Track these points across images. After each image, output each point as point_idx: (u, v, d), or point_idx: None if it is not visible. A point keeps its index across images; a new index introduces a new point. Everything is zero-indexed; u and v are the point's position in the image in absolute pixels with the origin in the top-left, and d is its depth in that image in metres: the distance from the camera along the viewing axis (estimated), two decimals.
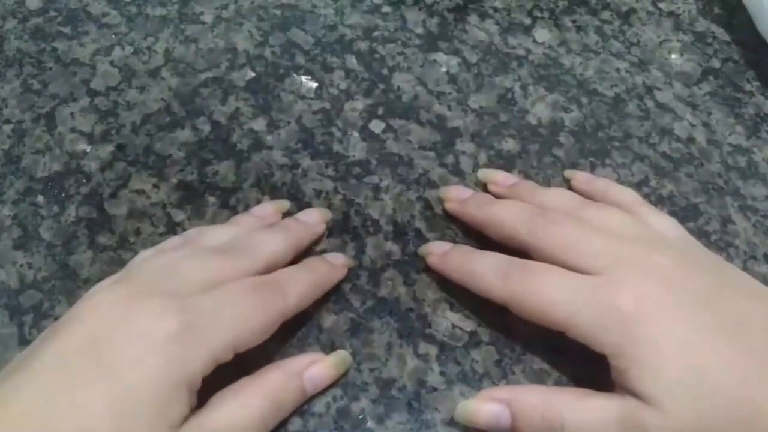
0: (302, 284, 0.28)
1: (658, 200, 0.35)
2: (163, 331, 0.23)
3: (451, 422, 0.28)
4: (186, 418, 0.24)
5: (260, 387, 0.26)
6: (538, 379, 0.29)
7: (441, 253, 0.31)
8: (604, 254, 0.26)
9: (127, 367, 0.23)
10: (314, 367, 0.28)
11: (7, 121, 0.35)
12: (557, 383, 0.29)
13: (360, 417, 0.28)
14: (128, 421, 0.22)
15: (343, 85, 0.38)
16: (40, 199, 0.33)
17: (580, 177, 0.34)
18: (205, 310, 0.25)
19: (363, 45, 0.39)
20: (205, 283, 0.26)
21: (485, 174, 0.34)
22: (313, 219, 0.32)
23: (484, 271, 0.28)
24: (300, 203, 0.34)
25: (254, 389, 0.26)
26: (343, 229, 0.33)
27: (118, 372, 0.22)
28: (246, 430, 0.25)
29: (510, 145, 0.36)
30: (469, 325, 0.31)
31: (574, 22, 0.42)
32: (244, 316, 0.26)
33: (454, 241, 0.33)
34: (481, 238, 0.32)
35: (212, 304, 0.25)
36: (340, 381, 0.29)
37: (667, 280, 0.26)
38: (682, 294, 0.25)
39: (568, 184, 0.35)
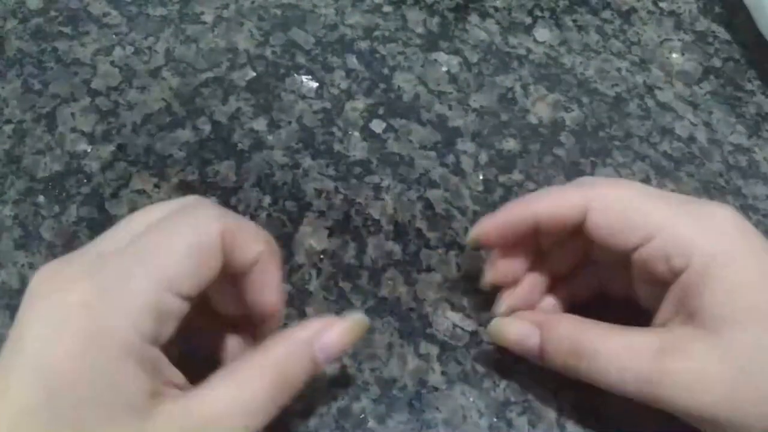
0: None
1: None
2: (73, 299, 0.20)
3: (452, 422, 0.28)
4: (156, 395, 0.21)
5: (263, 361, 0.23)
6: (539, 379, 0.29)
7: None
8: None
9: (43, 349, 0.20)
10: (327, 334, 0.24)
11: (8, 121, 0.35)
12: (558, 383, 0.29)
13: (361, 417, 0.28)
14: (66, 409, 0.19)
15: (343, 85, 0.38)
16: (41, 199, 0.33)
17: None
18: (118, 260, 0.21)
19: (364, 45, 0.39)
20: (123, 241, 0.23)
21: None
22: None
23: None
24: (301, 203, 0.34)
25: (256, 364, 0.22)
26: (344, 229, 0.33)
27: (36, 357, 0.20)
28: (248, 413, 0.21)
29: (511, 144, 0.36)
30: (469, 324, 0.31)
31: (574, 21, 0.42)
32: (164, 244, 0.22)
33: (455, 242, 0.33)
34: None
35: (125, 251, 0.22)
36: (341, 381, 0.29)
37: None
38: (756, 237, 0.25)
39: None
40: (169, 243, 0.22)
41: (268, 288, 0.25)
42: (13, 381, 0.20)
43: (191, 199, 0.25)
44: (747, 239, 0.24)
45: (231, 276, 0.24)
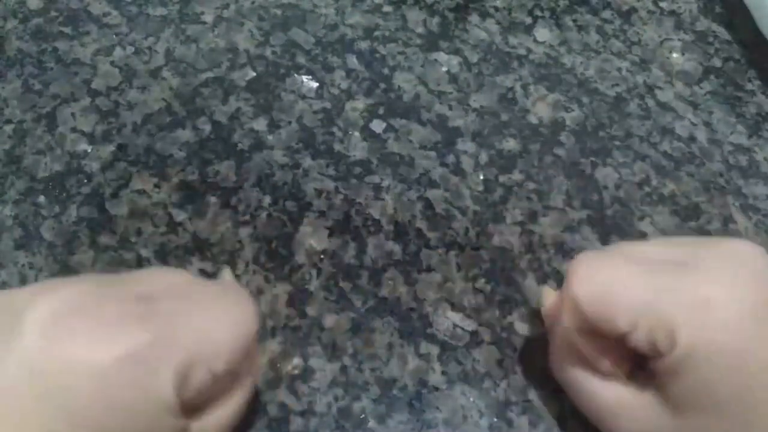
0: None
1: (659, 199, 0.35)
2: (122, 348, 0.20)
3: (453, 422, 0.28)
4: None
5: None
6: (539, 379, 0.29)
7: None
8: None
9: (77, 399, 0.19)
10: None
11: (8, 121, 0.35)
12: (558, 383, 0.29)
13: (361, 417, 0.28)
14: None
15: (343, 85, 0.38)
16: (42, 199, 0.33)
17: None
18: (169, 316, 0.22)
19: (364, 44, 0.39)
20: (162, 289, 0.23)
21: None
22: None
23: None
24: (301, 203, 0.34)
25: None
26: (344, 229, 0.33)
27: (68, 407, 0.19)
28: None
29: (511, 144, 0.36)
30: (470, 324, 0.31)
31: (574, 21, 0.42)
32: (219, 323, 0.23)
33: (455, 242, 0.33)
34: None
35: (177, 309, 0.22)
36: (341, 381, 0.29)
37: None
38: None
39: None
40: (222, 325, 0.23)
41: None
42: (36, 411, 0.19)
43: (230, 283, 0.27)
44: (735, 320, 0.23)
45: None
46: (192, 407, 0.23)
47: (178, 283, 0.24)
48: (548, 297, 0.29)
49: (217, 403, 0.24)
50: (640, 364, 0.25)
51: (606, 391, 0.26)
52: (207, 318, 0.23)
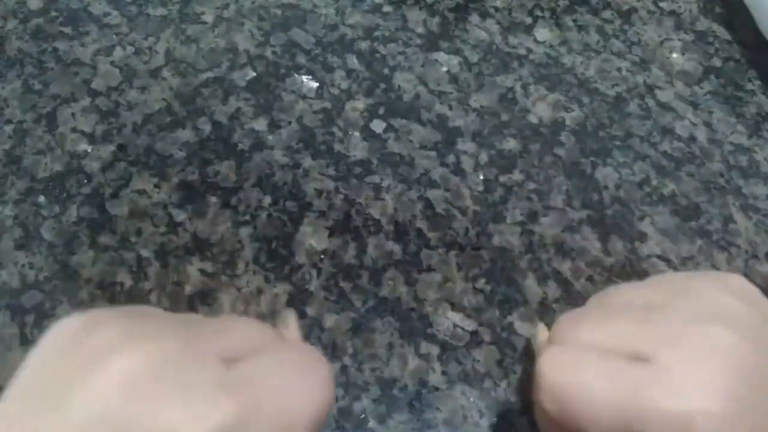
0: None
1: (659, 199, 0.35)
2: (209, 425, 0.18)
3: (453, 422, 0.28)
4: None
5: None
6: None
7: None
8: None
9: None
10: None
11: (9, 122, 0.35)
12: None
13: (361, 416, 0.28)
14: None
15: (344, 85, 0.38)
16: (42, 199, 0.33)
17: None
18: (249, 384, 0.20)
19: (364, 45, 0.39)
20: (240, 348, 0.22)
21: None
22: None
23: None
24: (301, 203, 0.34)
25: None
26: (345, 229, 0.33)
27: None
28: None
29: (511, 144, 0.36)
30: (470, 324, 0.31)
31: (575, 21, 0.42)
32: (291, 393, 0.21)
33: (455, 242, 0.33)
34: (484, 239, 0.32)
35: (256, 374, 0.21)
36: (341, 381, 0.29)
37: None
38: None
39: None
40: (304, 399, 0.21)
41: None
42: None
43: (311, 351, 0.24)
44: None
45: None
46: None
47: (255, 337, 0.23)
48: (541, 337, 0.28)
49: None
50: None
51: None
52: (287, 385, 0.21)
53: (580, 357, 0.24)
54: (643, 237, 0.34)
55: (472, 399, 0.29)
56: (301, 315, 0.31)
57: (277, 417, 0.20)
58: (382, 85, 0.38)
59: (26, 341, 0.29)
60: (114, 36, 0.39)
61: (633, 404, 0.22)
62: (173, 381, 0.19)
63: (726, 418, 0.20)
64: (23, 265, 0.31)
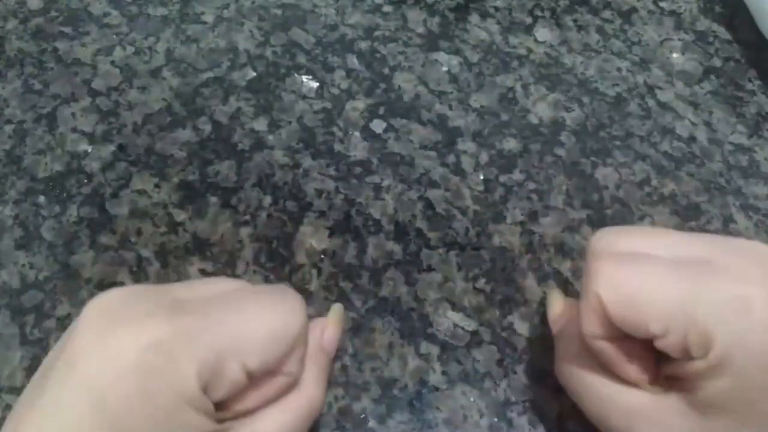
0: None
1: (659, 199, 0.35)
2: (146, 338, 0.21)
3: (453, 422, 0.28)
4: None
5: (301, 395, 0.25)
6: (539, 379, 0.29)
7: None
8: None
9: (106, 384, 0.20)
10: (326, 334, 0.27)
11: (9, 122, 0.35)
12: (558, 383, 0.29)
13: (362, 416, 0.28)
14: None
15: (344, 85, 0.38)
16: (42, 199, 0.33)
17: None
18: (200, 313, 0.22)
19: (364, 44, 0.39)
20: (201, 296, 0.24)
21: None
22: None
23: None
24: (301, 203, 0.34)
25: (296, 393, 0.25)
26: (345, 229, 0.33)
27: (94, 382, 0.20)
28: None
29: (511, 144, 0.36)
30: (470, 324, 0.31)
31: (575, 21, 0.42)
32: (251, 319, 0.23)
33: (455, 242, 0.33)
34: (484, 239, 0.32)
35: (209, 304, 0.23)
36: (341, 381, 0.29)
37: None
38: None
39: None
40: (256, 321, 0.23)
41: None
42: (67, 399, 0.20)
43: (282, 286, 0.27)
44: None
45: None
46: (235, 411, 0.23)
47: (228, 288, 0.25)
48: (556, 303, 0.29)
49: (272, 410, 0.24)
50: (663, 368, 0.25)
51: (623, 397, 0.24)
52: (245, 314, 0.23)
53: (637, 257, 0.24)
54: None
55: (472, 399, 0.29)
56: None
57: (227, 342, 0.22)
58: (383, 85, 0.38)
59: (26, 341, 0.29)
60: (114, 36, 0.39)
61: (695, 294, 0.23)
62: (126, 312, 0.21)
63: None
64: (23, 265, 0.31)
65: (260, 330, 0.23)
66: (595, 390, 0.25)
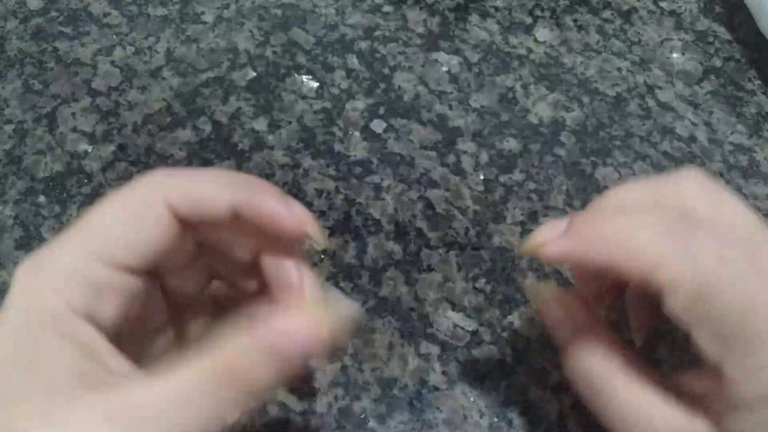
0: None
1: None
2: (14, 278, 0.20)
3: (453, 422, 0.28)
4: (87, 379, 0.18)
5: (207, 353, 0.19)
6: (539, 379, 0.29)
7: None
8: None
9: None
10: (293, 323, 0.20)
11: (9, 122, 0.35)
12: (558, 383, 0.29)
13: (362, 416, 0.28)
14: None
15: (344, 85, 0.38)
16: (42, 199, 0.33)
17: None
18: (56, 239, 0.21)
19: (364, 44, 0.39)
20: None
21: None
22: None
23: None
24: (301, 203, 0.34)
25: (199, 357, 0.19)
26: (345, 229, 0.33)
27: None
28: (178, 409, 0.18)
29: (511, 144, 0.36)
30: (470, 324, 0.31)
31: (575, 21, 0.42)
32: (95, 216, 0.21)
33: (455, 242, 0.33)
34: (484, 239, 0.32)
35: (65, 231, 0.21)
36: (341, 381, 0.29)
37: None
38: None
39: None
40: (101, 214, 0.21)
41: (268, 219, 0.22)
42: None
43: (143, 175, 0.23)
44: (738, 254, 0.21)
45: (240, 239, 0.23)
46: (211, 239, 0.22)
47: None
48: (542, 291, 0.26)
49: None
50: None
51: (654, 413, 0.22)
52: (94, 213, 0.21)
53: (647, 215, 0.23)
54: None
55: (472, 399, 0.29)
56: None
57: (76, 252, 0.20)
58: (382, 85, 0.38)
59: None
60: (114, 36, 0.39)
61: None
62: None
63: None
64: None
65: (108, 221, 0.20)
66: (622, 403, 0.22)
